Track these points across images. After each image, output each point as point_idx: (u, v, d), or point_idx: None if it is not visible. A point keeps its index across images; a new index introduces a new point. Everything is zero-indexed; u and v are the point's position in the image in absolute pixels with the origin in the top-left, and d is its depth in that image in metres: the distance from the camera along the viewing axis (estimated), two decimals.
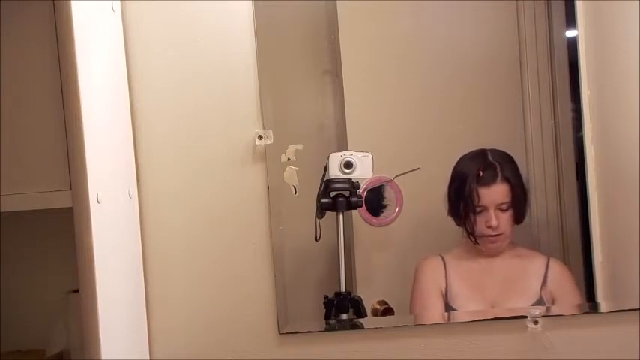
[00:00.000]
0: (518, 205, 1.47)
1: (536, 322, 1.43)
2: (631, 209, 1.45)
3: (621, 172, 1.47)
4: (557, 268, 1.49)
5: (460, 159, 1.49)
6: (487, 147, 1.49)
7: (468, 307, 1.49)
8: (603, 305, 1.48)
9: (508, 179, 1.47)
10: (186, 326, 1.47)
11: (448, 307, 1.49)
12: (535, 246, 1.52)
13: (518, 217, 1.48)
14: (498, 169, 1.47)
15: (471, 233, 1.48)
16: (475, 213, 1.47)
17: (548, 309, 1.45)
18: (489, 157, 1.48)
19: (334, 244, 1.44)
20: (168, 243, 1.47)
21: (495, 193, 1.46)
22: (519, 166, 1.49)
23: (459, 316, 1.48)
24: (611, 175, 1.48)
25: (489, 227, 1.46)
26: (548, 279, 1.48)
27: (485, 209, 1.46)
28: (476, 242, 1.48)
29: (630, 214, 1.45)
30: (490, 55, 1.54)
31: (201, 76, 1.46)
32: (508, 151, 1.49)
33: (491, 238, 1.48)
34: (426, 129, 1.54)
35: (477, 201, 1.46)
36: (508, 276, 1.50)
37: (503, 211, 1.46)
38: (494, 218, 1.46)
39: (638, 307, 1.44)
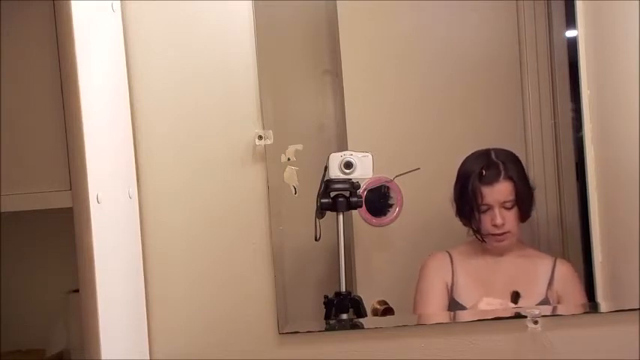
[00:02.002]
0: (523, 203, 1.47)
1: (536, 322, 1.43)
2: (631, 209, 1.45)
3: (621, 172, 1.47)
4: (563, 270, 1.49)
5: (465, 159, 1.49)
6: (488, 147, 1.49)
7: (474, 301, 1.48)
8: (603, 305, 1.48)
9: (511, 177, 1.47)
10: (186, 326, 1.47)
11: (453, 302, 1.49)
12: (535, 245, 1.52)
13: (524, 214, 1.48)
14: (501, 168, 1.47)
15: (477, 232, 1.48)
16: (480, 212, 1.47)
17: (547, 309, 1.45)
18: (493, 156, 1.49)
19: (334, 244, 1.44)
20: (168, 243, 1.47)
21: (499, 192, 1.47)
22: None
23: (459, 315, 1.48)
24: (611, 175, 1.48)
25: (495, 225, 1.47)
26: (555, 280, 1.48)
27: (490, 208, 1.47)
28: (483, 240, 1.48)
29: (630, 214, 1.45)
30: (490, 55, 1.54)
31: (201, 76, 1.46)
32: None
33: (497, 236, 1.48)
34: (426, 129, 1.54)
35: (480, 200, 1.46)
36: (514, 275, 1.50)
37: (508, 209, 1.47)
38: (499, 216, 1.46)
39: (638, 307, 1.44)
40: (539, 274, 1.49)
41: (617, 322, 1.44)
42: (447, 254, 1.52)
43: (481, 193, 1.46)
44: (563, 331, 1.44)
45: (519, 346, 1.45)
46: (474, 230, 1.48)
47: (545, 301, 1.47)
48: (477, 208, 1.47)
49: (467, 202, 1.47)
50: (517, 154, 1.50)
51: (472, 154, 1.49)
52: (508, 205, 1.46)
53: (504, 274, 1.51)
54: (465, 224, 1.49)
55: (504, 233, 1.48)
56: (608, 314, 1.46)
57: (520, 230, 1.49)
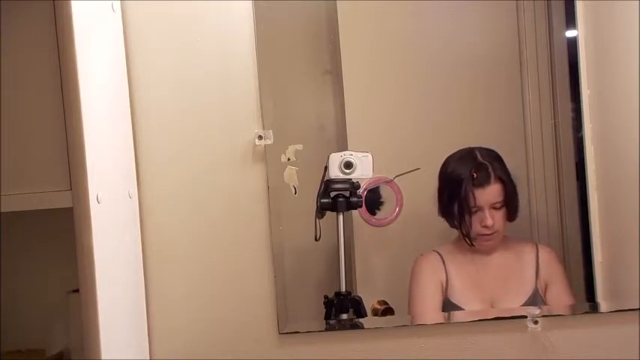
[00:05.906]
0: (511, 202, 1.48)
1: (536, 322, 1.43)
2: (631, 209, 1.45)
3: (621, 172, 1.47)
4: (546, 254, 1.50)
5: (447, 160, 1.49)
6: (484, 146, 1.49)
7: (468, 300, 1.49)
8: (603, 305, 1.48)
9: (501, 178, 1.47)
10: (186, 326, 1.47)
11: (448, 302, 1.49)
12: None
13: (511, 214, 1.48)
14: (490, 169, 1.47)
15: (467, 235, 1.48)
16: (471, 214, 1.47)
17: (545, 309, 1.45)
18: (479, 157, 1.48)
19: (334, 244, 1.44)
20: (168, 243, 1.47)
21: (490, 193, 1.47)
22: (513, 164, 1.49)
23: (459, 316, 1.48)
24: (611, 175, 1.48)
25: (485, 227, 1.47)
26: (540, 267, 1.49)
27: (480, 209, 1.47)
28: (472, 244, 1.48)
29: (630, 214, 1.45)
30: (490, 55, 1.54)
31: (202, 76, 1.46)
32: (509, 151, 1.50)
33: (485, 237, 1.48)
34: (426, 129, 1.54)
35: (472, 202, 1.46)
36: (505, 271, 1.51)
37: (496, 209, 1.47)
38: (490, 217, 1.46)
39: (638, 307, 1.44)
40: (527, 266, 1.50)
41: (617, 322, 1.44)
42: (437, 254, 1.52)
43: (474, 196, 1.46)
44: (563, 331, 1.44)
45: (519, 346, 1.45)
46: (463, 234, 1.48)
47: (535, 292, 1.47)
48: (467, 210, 1.47)
49: (457, 204, 1.47)
50: (517, 155, 1.50)
51: (454, 154, 1.49)
52: (497, 205, 1.47)
53: (495, 271, 1.51)
54: (451, 225, 1.49)
55: (492, 234, 1.48)
56: (608, 314, 1.46)
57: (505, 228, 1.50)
